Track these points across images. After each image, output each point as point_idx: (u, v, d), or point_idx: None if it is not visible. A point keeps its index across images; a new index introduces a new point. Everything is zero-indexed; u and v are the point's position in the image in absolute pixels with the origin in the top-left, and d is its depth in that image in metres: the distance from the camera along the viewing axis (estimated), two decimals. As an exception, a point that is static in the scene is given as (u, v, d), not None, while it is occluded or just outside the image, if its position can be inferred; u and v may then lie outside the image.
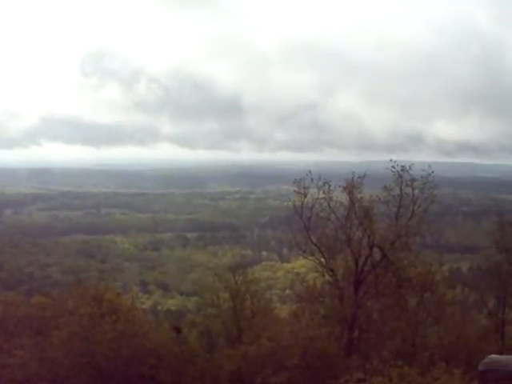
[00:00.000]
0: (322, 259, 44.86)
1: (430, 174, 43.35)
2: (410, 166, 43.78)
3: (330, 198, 44.68)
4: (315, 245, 44.95)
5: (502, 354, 19.83)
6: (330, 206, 44.79)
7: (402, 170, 43.31)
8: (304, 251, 46.29)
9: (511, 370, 14.01)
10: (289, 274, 52.86)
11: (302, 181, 44.45)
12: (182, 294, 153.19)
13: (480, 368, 14.75)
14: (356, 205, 44.30)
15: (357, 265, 43.88)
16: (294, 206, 44.93)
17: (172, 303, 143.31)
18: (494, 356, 15.51)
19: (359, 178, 44.70)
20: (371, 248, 43.84)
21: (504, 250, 53.25)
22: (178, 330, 44.27)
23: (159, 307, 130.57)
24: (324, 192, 44.48)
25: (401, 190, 43.54)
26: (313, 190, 44.84)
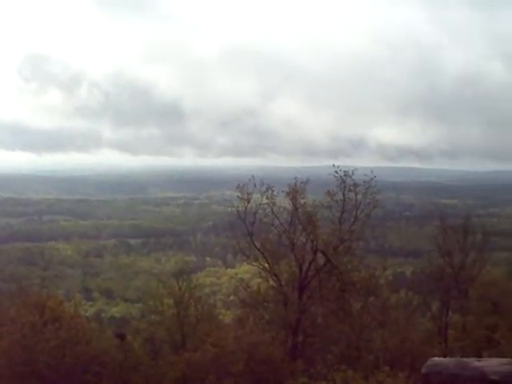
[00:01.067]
0: (266, 264, 44.90)
1: (372, 179, 43.67)
2: (352, 171, 44.06)
3: (274, 204, 44.76)
4: (259, 250, 44.97)
5: (445, 356, 20.04)
6: (273, 212, 44.86)
7: (344, 175, 43.56)
8: (248, 257, 46.30)
9: (453, 372, 14.11)
10: (233, 279, 52.74)
11: (245, 186, 44.48)
12: (125, 300, 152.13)
13: (423, 371, 14.84)
14: (299, 210, 44.44)
15: (300, 270, 43.99)
16: (238, 211, 44.92)
17: (116, 310, 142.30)
18: (436, 359, 15.60)
19: (302, 183, 44.86)
20: (315, 253, 43.99)
21: (446, 254, 53.96)
22: (121, 337, 43.94)
23: (103, 314, 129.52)
24: (267, 197, 44.52)
25: (344, 195, 43.79)
26: (256, 196, 44.89)
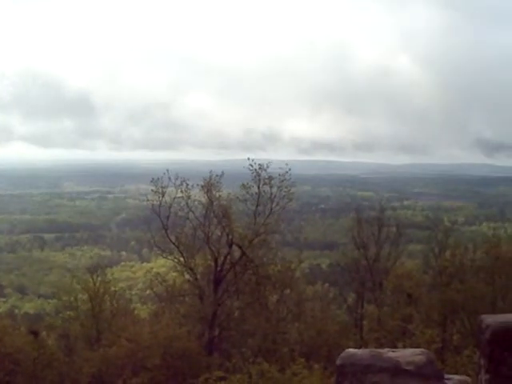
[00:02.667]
0: (181, 258, 44.70)
1: (287, 172, 43.81)
2: (267, 165, 44.18)
3: (189, 197, 44.60)
4: (174, 244, 44.74)
5: (360, 347, 20.02)
6: (188, 205, 44.71)
7: (259, 169, 43.64)
8: (163, 251, 46.05)
9: (367, 363, 13.94)
10: (148, 273, 52.23)
11: (160, 180, 44.12)
12: (39, 296, 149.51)
13: (338, 362, 14.65)
14: (214, 203, 44.35)
15: (216, 263, 43.87)
16: (152, 205, 44.57)
17: (29, 306, 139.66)
18: (351, 350, 15.43)
19: (217, 176, 44.78)
20: (230, 246, 43.94)
21: (361, 246, 54.42)
22: (35, 333, 43.06)
23: (16, 311, 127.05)
24: (182, 191, 44.33)
25: (259, 188, 43.86)
26: (171, 189, 44.59)
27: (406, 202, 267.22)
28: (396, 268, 52.33)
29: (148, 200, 45.35)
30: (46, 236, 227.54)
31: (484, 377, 9.28)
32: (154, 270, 56.03)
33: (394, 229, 57.44)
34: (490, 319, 9.40)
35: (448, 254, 51.69)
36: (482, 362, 9.42)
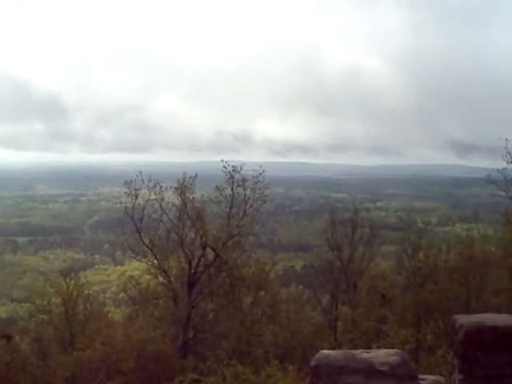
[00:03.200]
0: (155, 261, 44.61)
1: (260, 174, 43.88)
2: (241, 166, 44.22)
3: (162, 199, 44.57)
4: (147, 246, 44.64)
5: (334, 349, 20.04)
6: (161, 207, 44.67)
7: (233, 170, 43.68)
8: (137, 253, 45.93)
9: (341, 364, 13.95)
10: (122, 276, 52.09)
11: (133, 182, 44.02)
12: (12, 300, 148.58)
13: (312, 363, 14.67)
14: (188, 205, 44.34)
15: (190, 265, 43.84)
16: (126, 207, 44.44)
17: (2, 310, 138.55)
18: (325, 351, 15.45)
19: (191, 178, 44.75)
20: (204, 248, 43.93)
21: (335, 248, 54.53)
22: (8, 337, 42.72)
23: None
24: (155, 193, 44.26)
25: (232, 190, 43.89)
26: (144, 192, 44.50)
27: (379, 203, 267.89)
28: (370, 269, 52.49)
29: (121, 202, 45.23)
30: (19, 239, 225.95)
31: (457, 377, 9.30)
32: (128, 272, 55.90)
33: (367, 230, 57.62)
34: (464, 319, 9.42)
35: (421, 254, 51.90)
36: (456, 362, 9.44)
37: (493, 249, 48.10)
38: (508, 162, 38.37)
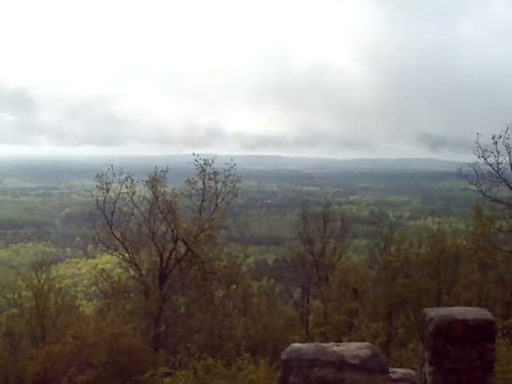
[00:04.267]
0: (126, 254, 44.46)
1: (232, 167, 43.85)
2: (212, 160, 44.12)
3: (133, 193, 44.40)
4: (118, 240, 44.48)
5: (306, 342, 20.08)
6: (133, 201, 44.48)
7: (204, 164, 43.61)
8: (108, 247, 45.76)
9: (312, 357, 13.98)
10: (93, 270, 51.87)
11: (104, 175, 43.82)
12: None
13: (283, 357, 14.71)
14: (159, 199, 44.23)
15: (161, 259, 43.72)
16: (97, 201, 44.22)
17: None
18: (296, 344, 15.49)
19: (162, 171, 44.63)
20: (175, 242, 43.85)
21: (307, 241, 54.59)
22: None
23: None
24: (127, 186, 44.09)
25: (204, 183, 43.84)
26: (115, 185, 44.32)
27: (351, 197, 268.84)
28: (341, 263, 52.67)
29: (93, 196, 45.00)
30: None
31: (428, 369, 9.31)
32: (99, 266, 55.78)
33: (339, 224, 57.73)
34: (433, 312, 9.44)
35: (393, 248, 52.15)
36: (426, 354, 9.46)
37: (464, 243, 48.36)
38: (479, 157, 38.57)
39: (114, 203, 44.20)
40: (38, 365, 37.18)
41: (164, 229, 44.74)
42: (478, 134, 38.62)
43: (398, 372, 14.28)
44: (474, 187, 39.77)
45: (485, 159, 38.74)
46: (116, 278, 46.49)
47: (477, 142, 38.27)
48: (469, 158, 40.65)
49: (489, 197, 40.22)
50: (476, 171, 39.01)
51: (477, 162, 38.86)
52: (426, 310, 9.75)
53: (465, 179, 39.87)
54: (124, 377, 34.16)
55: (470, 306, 11.98)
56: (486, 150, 38.39)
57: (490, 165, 39.09)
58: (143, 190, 45.69)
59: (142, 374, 24.51)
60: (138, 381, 23.08)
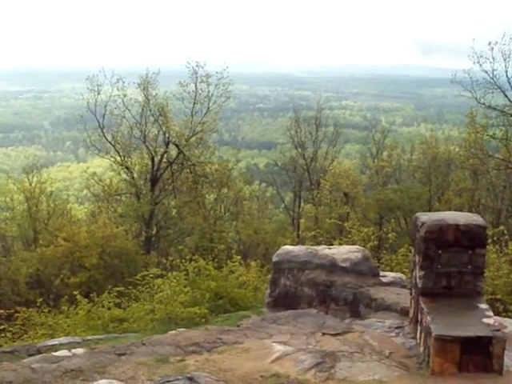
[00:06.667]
0: (118, 157, 44.33)
1: (224, 70, 43.49)
2: (204, 62, 43.73)
3: (125, 95, 44.05)
4: (110, 143, 44.34)
5: (297, 245, 20.22)
6: (124, 104, 44.17)
7: (196, 66, 43.23)
8: (99, 150, 45.61)
9: (303, 260, 14.14)
10: (85, 173, 51.82)
11: (95, 77, 43.41)
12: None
13: (274, 259, 14.88)
14: (151, 101, 43.94)
15: (153, 162, 43.74)
16: (88, 103, 43.90)
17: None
18: (287, 247, 15.68)
19: (154, 74, 44.23)
20: (167, 145, 43.78)
21: (299, 146, 54.53)
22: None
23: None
24: (118, 89, 43.73)
25: (196, 85, 43.54)
26: (107, 88, 43.94)
27: (343, 102, 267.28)
28: (333, 167, 52.68)
29: (83, 98, 44.66)
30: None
31: (418, 274, 9.33)
32: (91, 169, 55.55)
33: (331, 128, 57.56)
34: (425, 217, 9.41)
35: (385, 154, 52.23)
36: (417, 259, 9.46)
37: (457, 149, 48.34)
38: (474, 63, 38.17)
39: (105, 106, 43.92)
40: (30, 267, 37.43)
41: (156, 132, 44.61)
42: (473, 39, 38.21)
43: (389, 276, 14.42)
44: (468, 94, 39.45)
45: (480, 65, 38.35)
46: (107, 181, 46.56)
47: (472, 48, 37.85)
48: (462, 63, 40.29)
49: (483, 104, 39.93)
50: (471, 77, 38.63)
51: (471, 68, 38.48)
52: (418, 214, 9.72)
53: (459, 85, 39.51)
54: (116, 279, 34.34)
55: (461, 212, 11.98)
56: (482, 56, 37.99)
57: (486, 71, 38.72)
58: (135, 93, 45.33)
59: (134, 276, 24.68)
60: (130, 282, 23.17)
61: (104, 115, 43.81)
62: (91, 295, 21.54)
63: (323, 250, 14.85)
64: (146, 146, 43.99)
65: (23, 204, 45.44)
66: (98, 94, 43.59)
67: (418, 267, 9.35)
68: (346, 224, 33.16)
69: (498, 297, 20.66)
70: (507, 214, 46.31)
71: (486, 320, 8.40)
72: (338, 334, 9.89)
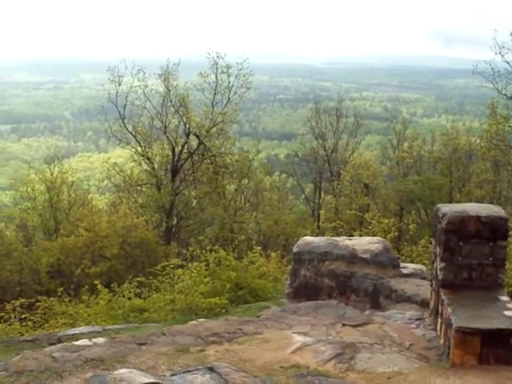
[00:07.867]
0: (139, 148, 44.36)
1: (245, 61, 43.45)
2: (225, 53, 43.72)
3: (145, 86, 44.09)
4: (131, 133, 44.39)
5: (317, 236, 20.24)
6: (145, 94, 44.21)
7: (217, 57, 43.23)
8: (120, 140, 45.69)
9: (323, 251, 14.14)
10: (106, 164, 51.90)
11: (116, 68, 43.48)
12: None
13: (294, 250, 14.90)
14: (172, 92, 43.94)
15: (173, 153, 43.73)
16: (109, 94, 43.98)
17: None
18: (308, 238, 15.71)
19: (175, 64, 44.23)
20: (188, 135, 43.79)
21: (320, 137, 54.46)
22: (-8, 224, 42.98)
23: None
24: (139, 80, 43.78)
25: (216, 76, 43.53)
26: (128, 78, 44.01)
27: (364, 93, 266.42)
28: (354, 158, 52.51)
29: (104, 89, 44.74)
30: (2, 127, 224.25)
31: (439, 265, 9.30)
32: (112, 160, 55.70)
33: (352, 119, 57.42)
34: (447, 208, 9.37)
35: (406, 145, 51.98)
36: (438, 250, 9.43)
37: (478, 141, 48.02)
38: (496, 53, 37.85)
39: (126, 97, 43.96)
40: (51, 257, 37.65)
41: (176, 122, 44.59)
42: (495, 30, 37.91)
43: (409, 267, 14.41)
44: (489, 85, 39.15)
45: (502, 56, 38.04)
46: (128, 171, 46.61)
47: (494, 39, 37.53)
48: (483, 54, 40.00)
49: (505, 95, 39.64)
50: (492, 68, 38.35)
51: (493, 59, 38.18)
52: (439, 205, 9.70)
53: (480, 76, 39.24)
54: (136, 269, 34.50)
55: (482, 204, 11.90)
56: (504, 47, 37.67)
57: (508, 62, 38.41)
58: (155, 84, 45.37)
59: (154, 266, 24.77)
60: (150, 273, 23.25)
61: (125, 106, 43.83)
62: (112, 285, 21.65)
63: (343, 241, 14.85)
64: (167, 137, 44.01)
65: (44, 194, 45.58)
66: (119, 84, 43.62)
67: (438, 259, 9.32)
68: (366, 215, 33.08)
69: (520, 289, 20.56)
70: (529, 206, 46.01)
71: (507, 312, 8.38)
72: (358, 325, 9.91)
